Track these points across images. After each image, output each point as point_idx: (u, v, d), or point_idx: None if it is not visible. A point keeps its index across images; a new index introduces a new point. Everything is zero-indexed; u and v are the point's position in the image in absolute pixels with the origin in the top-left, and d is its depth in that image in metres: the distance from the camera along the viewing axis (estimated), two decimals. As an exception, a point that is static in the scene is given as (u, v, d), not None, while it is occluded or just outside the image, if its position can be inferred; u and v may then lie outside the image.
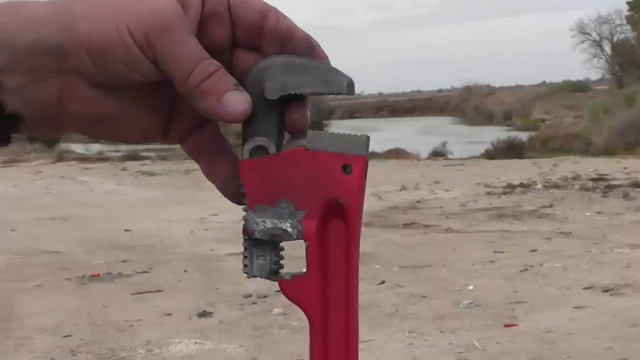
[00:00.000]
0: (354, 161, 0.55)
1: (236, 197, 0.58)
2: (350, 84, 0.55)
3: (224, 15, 0.56)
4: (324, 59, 0.57)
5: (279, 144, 0.57)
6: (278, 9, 0.57)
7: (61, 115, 0.55)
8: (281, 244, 0.57)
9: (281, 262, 0.57)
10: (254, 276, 0.57)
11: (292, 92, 0.55)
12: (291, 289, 0.56)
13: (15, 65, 0.52)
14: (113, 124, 0.57)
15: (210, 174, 0.60)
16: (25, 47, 0.51)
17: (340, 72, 0.56)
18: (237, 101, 0.54)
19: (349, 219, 0.56)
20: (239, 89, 0.54)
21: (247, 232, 0.57)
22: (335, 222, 0.56)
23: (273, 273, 0.57)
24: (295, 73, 0.55)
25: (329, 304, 0.56)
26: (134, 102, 0.56)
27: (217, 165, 0.59)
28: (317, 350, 0.56)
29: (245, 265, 0.58)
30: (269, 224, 0.56)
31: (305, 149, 0.55)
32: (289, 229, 0.56)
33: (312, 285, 0.56)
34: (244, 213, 0.57)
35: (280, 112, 0.56)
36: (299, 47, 0.56)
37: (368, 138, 0.56)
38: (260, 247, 0.57)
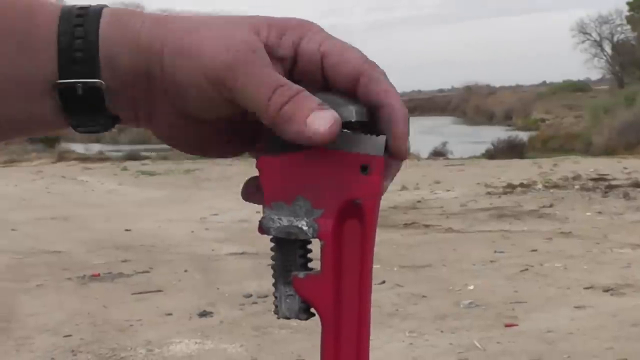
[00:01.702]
0: (373, 162, 0.55)
1: None
2: (359, 112, 0.55)
3: (316, 76, 0.56)
4: (401, 138, 0.56)
5: None
6: (375, 67, 0.56)
7: (150, 125, 0.59)
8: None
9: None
10: (285, 317, 0.57)
11: None
12: (305, 287, 0.56)
13: (116, 84, 0.55)
14: (190, 143, 0.60)
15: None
16: (124, 68, 0.55)
17: (351, 100, 0.56)
18: (323, 120, 0.53)
19: (366, 219, 0.55)
20: (323, 107, 0.53)
21: (262, 229, 0.56)
22: (352, 222, 0.56)
23: (302, 311, 0.56)
24: None
25: (342, 303, 0.56)
26: (207, 128, 0.58)
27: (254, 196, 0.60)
28: (328, 350, 0.56)
29: (275, 306, 0.57)
30: (284, 222, 0.56)
31: (324, 148, 0.55)
32: (305, 227, 0.55)
33: (326, 284, 0.55)
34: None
35: (298, 147, 0.56)
36: (382, 122, 0.55)
37: (386, 139, 0.56)
38: (288, 285, 0.56)
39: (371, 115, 0.56)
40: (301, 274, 0.56)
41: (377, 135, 0.55)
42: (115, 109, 0.57)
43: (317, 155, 0.55)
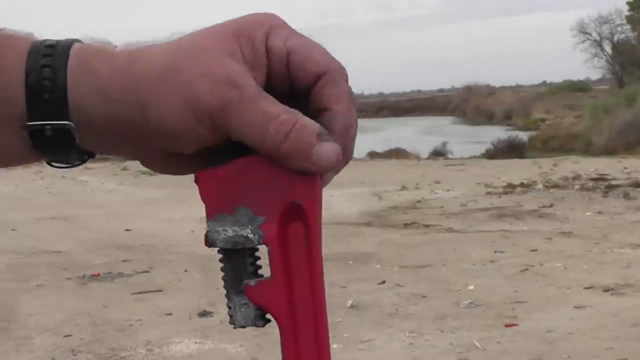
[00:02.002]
0: None
1: None
2: None
3: (283, 74, 0.56)
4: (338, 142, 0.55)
5: None
6: (339, 68, 0.56)
7: (132, 159, 0.59)
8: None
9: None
10: (241, 326, 0.57)
11: None
12: (257, 294, 0.56)
13: (89, 128, 0.55)
14: (178, 169, 0.59)
15: None
16: (98, 117, 0.54)
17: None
18: (327, 154, 0.53)
19: (309, 220, 0.56)
20: (323, 139, 0.53)
21: (208, 242, 0.56)
22: (295, 224, 0.56)
23: (259, 318, 0.56)
24: None
25: (296, 305, 0.56)
26: (202, 158, 0.57)
27: None
28: (288, 352, 0.56)
29: (230, 316, 0.57)
30: (230, 232, 0.56)
31: (259, 155, 0.55)
32: (250, 235, 0.55)
33: (278, 288, 0.56)
34: None
35: (239, 153, 0.56)
36: (322, 122, 0.55)
37: None
38: (241, 294, 0.56)
39: (317, 112, 0.56)
40: (252, 282, 0.56)
41: None
42: (90, 147, 0.57)
43: (253, 162, 0.55)
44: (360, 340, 5.06)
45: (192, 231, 9.61)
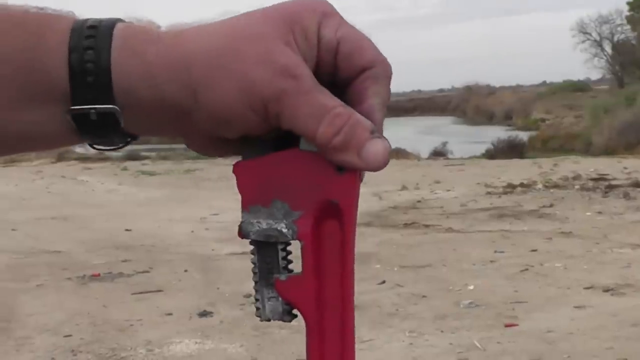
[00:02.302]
0: None
1: None
2: None
3: (330, 64, 0.55)
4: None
5: None
6: (386, 63, 0.56)
7: (177, 139, 0.58)
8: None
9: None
10: (268, 319, 0.57)
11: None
12: (287, 289, 0.56)
13: (134, 110, 0.54)
14: (222, 152, 0.58)
15: None
16: (144, 99, 0.53)
17: None
18: (377, 153, 0.53)
19: (344, 219, 0.55)
20: (375, 136, 0.53)
21: (242, 233, 0.56)
22: (330, 222, 0.56)
23: (286, 313, 0.56)
24: None
25: (325, 303, 0.56)
26: (245, 143, 0.57)
27: None
28: (313, 350, 0.56)
29: (257, 309, 0.57)
30: (263, 225, 0.56)
31: (299, 150, 0.55)
32: (284, 230, 0.55)
33: (308, 285, 0.56)
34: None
35: (276, 148, 0.56)
36: (364, 115, 0.55)
37: None
38: (270, 287, 0.56)
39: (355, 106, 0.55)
40: (283, 276, 0.56)
41: None
42: (134, 129, 0.56)
43: (293, 157, 0.55)
44: (360, 340, 5.06)
45: (192, 231, 9.62)
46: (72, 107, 0.53)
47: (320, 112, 0.52)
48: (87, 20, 0.54)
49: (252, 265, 0.57)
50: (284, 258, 0.56)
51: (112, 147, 0.57)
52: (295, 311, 0.57)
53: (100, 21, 0.54)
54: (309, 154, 0.55)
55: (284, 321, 0.57)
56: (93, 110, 0.53)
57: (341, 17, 0.56)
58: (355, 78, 0.55)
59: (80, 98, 0.53)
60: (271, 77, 0.52)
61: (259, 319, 0.57)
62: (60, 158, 21.07)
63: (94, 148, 0.57)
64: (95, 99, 0.53)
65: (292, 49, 0.53)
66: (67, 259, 8.04)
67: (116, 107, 0.53)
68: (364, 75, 0.55)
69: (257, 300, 0.57)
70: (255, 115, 0.53)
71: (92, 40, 0.53)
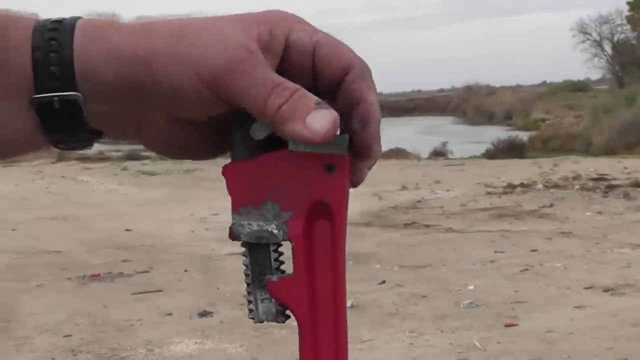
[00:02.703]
0: (338, 161, 0.55)
1: None
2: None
3: (306, 67, 0.56)
4: (373, 138, 0.56)
5: None
6: (364, 63, 0.57)
7: (137, 136, 0.58)
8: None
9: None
10: (261, 321, 0.57)
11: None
12: (279, 290, 0.56)
13: (98, 96, 0.54)
14: (180, 147, 0.59)
15: None
16: (107, 82, 0.54)
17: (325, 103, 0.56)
18: (322, 120, 0.52)
19: (335, 219, 0.56)
20: (322, 106, 0.53)
21: (232, 235, 0.56)
22: (321, 222, 0.56)
23: (280, 314, 0.56)
24: None
25: (317, 303, 0.56)
26: (201, 129, 0.57)
27: None
28: (306, 351, 0.56)
29: (250, 311, 0.57)
30: (254, 227, 0.56)
31: (288, 151, 0.55)
32: (275, 231, 0.55)
33: (300, 285, 0.56)
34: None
35: (266, 150, 0.56)
36: (359, 117, 0.56)
37: (350, 138, 0.55)
38: (263, 288, 0.56)
39: (348, 111, 0.56)
40: (274, 278, 0.56)
41: (340, 134, 0.55)
42: (97, 123, 0.56)
43: (282, 158, 0.55)
44: (360, 340, 5.06)
45: (192, 231, 9.62)
46: (35, 96, 0.54)
47: (270, 84, 0.53)
48: (49, 18, 0.55)
49: (244, 267, 0.57)
50: (276, 259, 0.57)
51: (76, 146, 0.57)
52: (289, 312, 0.57)
53: (64, 18, 0.55)
54: (298, 154, 0.55)
55: (278, 322, 0.57)
56: (56, 98, 0.54)
57: (314, 26, 0.57)
58: (342, 82, 0.56)
59: (44, 87, 0.54)
60: (225, 48, 0.53)
61: (252, 320, 0.57)
62: (60, 158, 21.06)
63: (60, 148, 0.57)
64: (58, 88, 0.54)
65: (251, 37, 0.54)
66: (67, 259, 8.04)
67: (78, 94, 0.54)
68: (350, 77, 0.56)
69: (250, 302, 0.57)
70: (207, 89, 0.53)
71: (55, 32, 0.54)
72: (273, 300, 0.56)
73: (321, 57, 0.55)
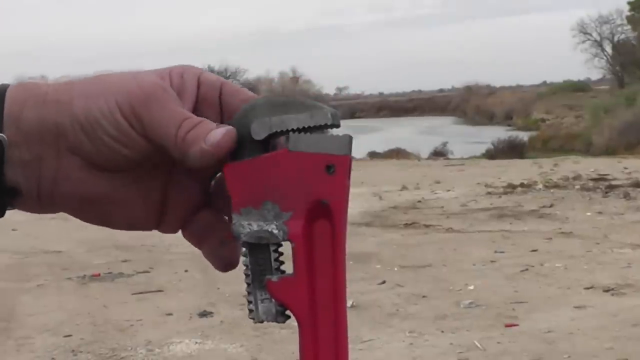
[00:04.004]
0: (338, 161, 0.55)
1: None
2: (335, 114, 0.56)
3: (215, 101, 0.60)
4: None
5: None
6: None
7: (54, 194, 0.59)
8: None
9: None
10: (261, 321, 0.57)
11: (278, 130, 0.56)
12: (279, 290, 0.56)
13: (20, 139, 0.57)
14: (102, 207, 0.60)
15: (215, 259, 0.63)
16: (29, 124, 0.57)
17: (324, 105, 0.57)
18: (218, 134, 0.56)
19: (335, 219, 0.56)
20: (220, 125, 0.57)
21: (232, 235, 0.57)
22: (321, 222, 0.56)
23: (280, 314, 0.57)
24: (280, 112, 0.56)
25: (317, 304, 0.56)
26: (125, 185, 0.59)
27: (220, 251, 0.61)
28: (307, 351, 0.56)
29: (250, 311, 0.57)
30: (254, 227, 0.56)
31: (288, 151, 0.55)
32: (275, 231, 0.56)
33: (300, 285, 0.56)
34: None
35: (267, 150, 0.57)
36: None
37: (351, 138, 0.56)
38: (263, 288, 0.57)
39: None
40: (275, 278, 0.56)
41: (341, 134, 0.55)
42: (15, 173, 0.57)
43: (282, 158, 0.55)
44: (360, 340, 5.06)
45: (193, 231, 9.62)
46: None
47: (180, 118, 0.57)
48: None
49: (245, 267, 0.57)
50: (276, 259, 0.57)
51: None
52: (289, 312, 0.57)
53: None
54: (298, 154, 0.55)
55: (278, 322, 0.57)
56: None
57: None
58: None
59: None
60: (140, 83, 0.57)
61: (252, 320, 0.58)
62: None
63: None
64: None
65: (163, 80, 0.59)
66: (68, 259, 8.05)
67: (4, 135, 0.56)
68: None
69: (250, 302, 0.57)
70: (122, 119, 0.56)
71: None
72: (273, 300, 0.56)
73: (227, 92, 0.60)
